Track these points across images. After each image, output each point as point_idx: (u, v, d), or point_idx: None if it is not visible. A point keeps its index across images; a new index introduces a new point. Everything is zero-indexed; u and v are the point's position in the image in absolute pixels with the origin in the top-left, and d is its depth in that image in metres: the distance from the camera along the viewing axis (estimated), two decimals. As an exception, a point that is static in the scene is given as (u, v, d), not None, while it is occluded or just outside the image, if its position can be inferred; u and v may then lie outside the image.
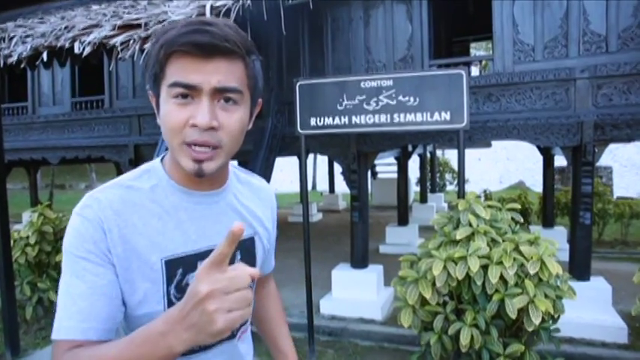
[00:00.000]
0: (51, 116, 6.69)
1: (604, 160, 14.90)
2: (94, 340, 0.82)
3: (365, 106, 3.61)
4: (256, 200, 1.11)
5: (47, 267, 4.65)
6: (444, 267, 2.92)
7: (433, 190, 11.74)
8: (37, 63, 2.77)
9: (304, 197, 4.06)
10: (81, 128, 6.43)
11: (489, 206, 3.25)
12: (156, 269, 0.89)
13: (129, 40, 2.45)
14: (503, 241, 3.02)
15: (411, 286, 3.07)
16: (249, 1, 3.35)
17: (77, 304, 0.83)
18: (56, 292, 4.46)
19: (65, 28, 2.71)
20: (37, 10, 6.92)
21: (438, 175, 12.94)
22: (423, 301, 3.05)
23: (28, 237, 4.48)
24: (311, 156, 15.67)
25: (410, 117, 3.46)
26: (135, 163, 5.98)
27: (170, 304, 0.90)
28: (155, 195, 0.93)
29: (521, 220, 3.36)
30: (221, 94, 0.85)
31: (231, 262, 0.92)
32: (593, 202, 7.67)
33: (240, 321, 0.70)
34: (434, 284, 2.97)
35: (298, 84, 3.93)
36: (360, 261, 5.03)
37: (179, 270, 0.92)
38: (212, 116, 0.84)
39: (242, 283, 0.70)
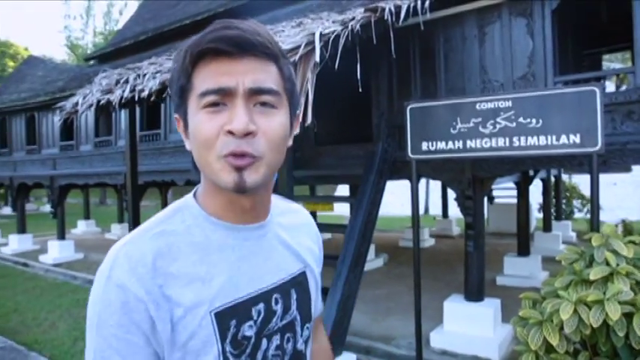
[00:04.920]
0: (179, 142, 7.36)
1: None
2: None
3: (481, 129, 3.38)
4: (302, 230, 0.98)
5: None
6: (575, 311, 2.56)
7: (558, 218, 10.64)
8: (164, 95, 3.07)
9: (415, 225, 3.90)
10: (204, 153, 6.98)
11: (632, 242, 2.81)
12: (205, 325, 0.75)
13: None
14: (652, 284, 2.57)
15: (534, 329, 2.73)
16: (357, 27, 3.36)
17: None
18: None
19: (189, 63, 2.96)
20: (170, 48, 7.75)
21: (564, 201, 11.73)
22: (549, 347, 2.70)
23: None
24: (424, 179, 15.24)
25: (532, 140, 3.15)
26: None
27: None
28: (194, 237, 0.79)
29: (675, 260, 2.84)
30: (257, 96, 0.74)
31: (287, 300, 0.87)
32: None
33: None
34: (562, 329, 2.62)
35: (409, 107, 3.82)
36: (474, 294, 4.67)
37: (232, 322, 0.78)
38: (249, 119, 0.72)
39: None
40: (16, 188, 11.66)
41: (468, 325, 4.52)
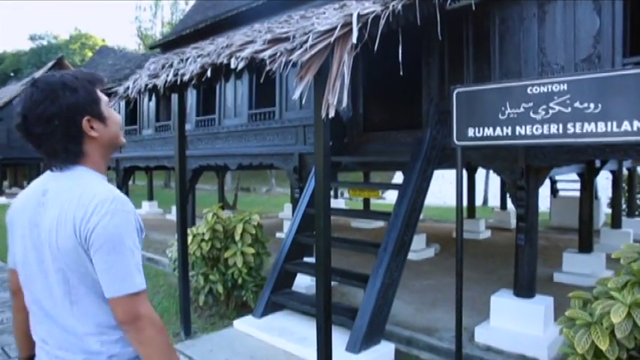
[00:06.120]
0: (232, 127, 7.51)
1: None
2: None
3: (532, 114, 3.15)
4: None
5: (217, 261, 5.17)
6: (629, 314, 2.35)
7: (631, 214, 9.85)
8: (203, 79, 3.12)
9: (458, 214, 3.74)
10: (255, 137, 7.07)
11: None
12: (139, 228, 1.36)
13: (276, 54, 2.58)
14: None
15: (582, 331, 2.54)
16: (399, 7, 3.21)
17: (140, 267, 1.31)
18: (223, 285, 4.87)
19: (226, 46, 2.99)
20: (227, 34, 7.87)
21: (639, 195, 10.82)
22: (597, 352, 2.50)
23: (203, 234, 5.05)
24: (483, 170, 14.62)
25: (589, 127, 2.89)
26: (299, 171, 6.31)
27: None
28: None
29: None
30: None
31: None
32: None
33: None
34: (613, 333, 2.41)
35: (455, 91, 3.64)
36: (524, 289, 4.43)
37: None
38: None
39: None
40: (87, 169, 12.47)
41: (515, 321, 4.30)
